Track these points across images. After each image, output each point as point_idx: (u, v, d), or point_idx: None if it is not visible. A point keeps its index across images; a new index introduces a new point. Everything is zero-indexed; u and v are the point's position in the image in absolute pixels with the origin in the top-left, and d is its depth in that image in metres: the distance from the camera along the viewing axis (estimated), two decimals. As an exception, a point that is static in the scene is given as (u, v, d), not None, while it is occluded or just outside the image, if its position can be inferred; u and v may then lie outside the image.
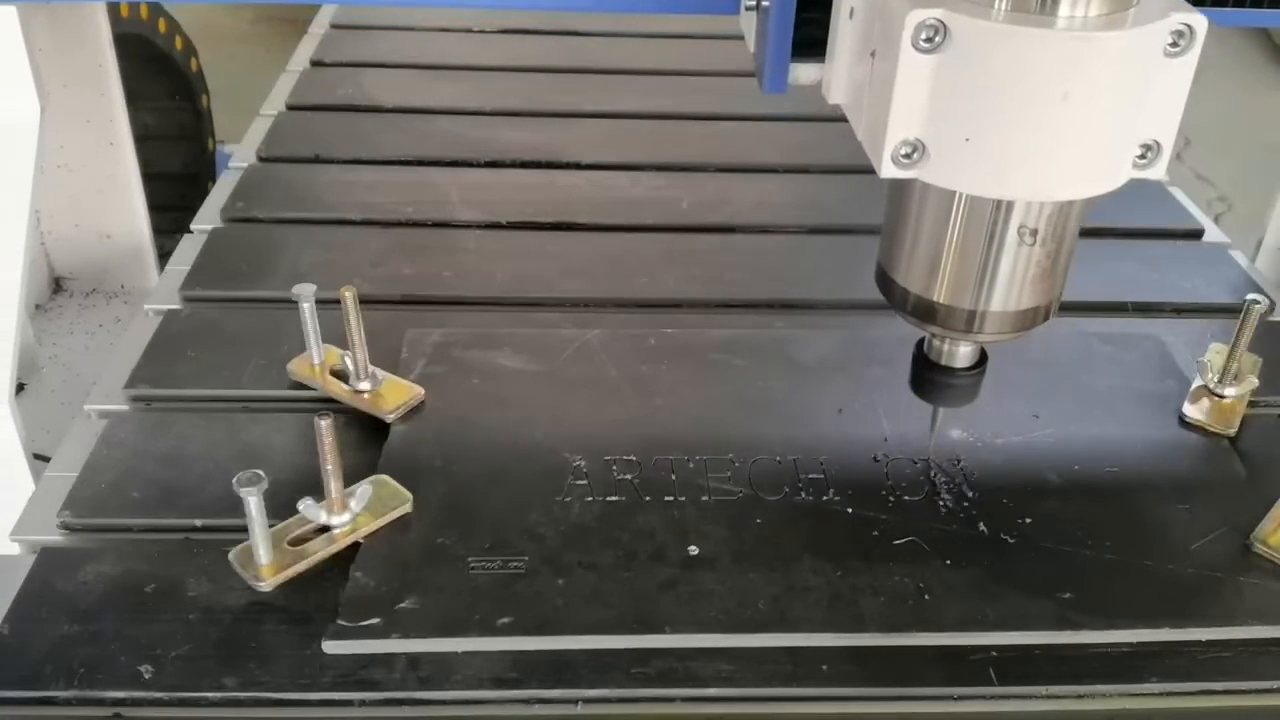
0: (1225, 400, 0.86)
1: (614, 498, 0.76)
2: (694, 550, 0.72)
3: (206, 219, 1.11)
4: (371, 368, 0.84)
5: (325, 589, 0.69)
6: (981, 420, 0.83)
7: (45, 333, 1.73)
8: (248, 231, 1.09)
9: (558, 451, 0.80)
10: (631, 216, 1.14)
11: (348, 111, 1.34)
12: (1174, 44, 0.53)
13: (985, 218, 0.58)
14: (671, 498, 0.76)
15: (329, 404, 0.84)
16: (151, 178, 1.79)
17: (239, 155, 1.23)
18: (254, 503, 0.66)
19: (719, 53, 1.52)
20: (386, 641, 0.65)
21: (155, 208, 1.80)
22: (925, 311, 0.63)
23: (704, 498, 0.76)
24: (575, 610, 0.68)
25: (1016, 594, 0.70)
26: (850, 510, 0.76)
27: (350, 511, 0.72)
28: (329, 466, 0.70)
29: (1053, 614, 0.69)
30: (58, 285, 1.83)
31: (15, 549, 0.73)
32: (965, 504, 0.77)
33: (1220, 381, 0.86)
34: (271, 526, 0.69)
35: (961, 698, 0.65)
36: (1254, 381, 0.87)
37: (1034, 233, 0.58)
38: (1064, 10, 0.52)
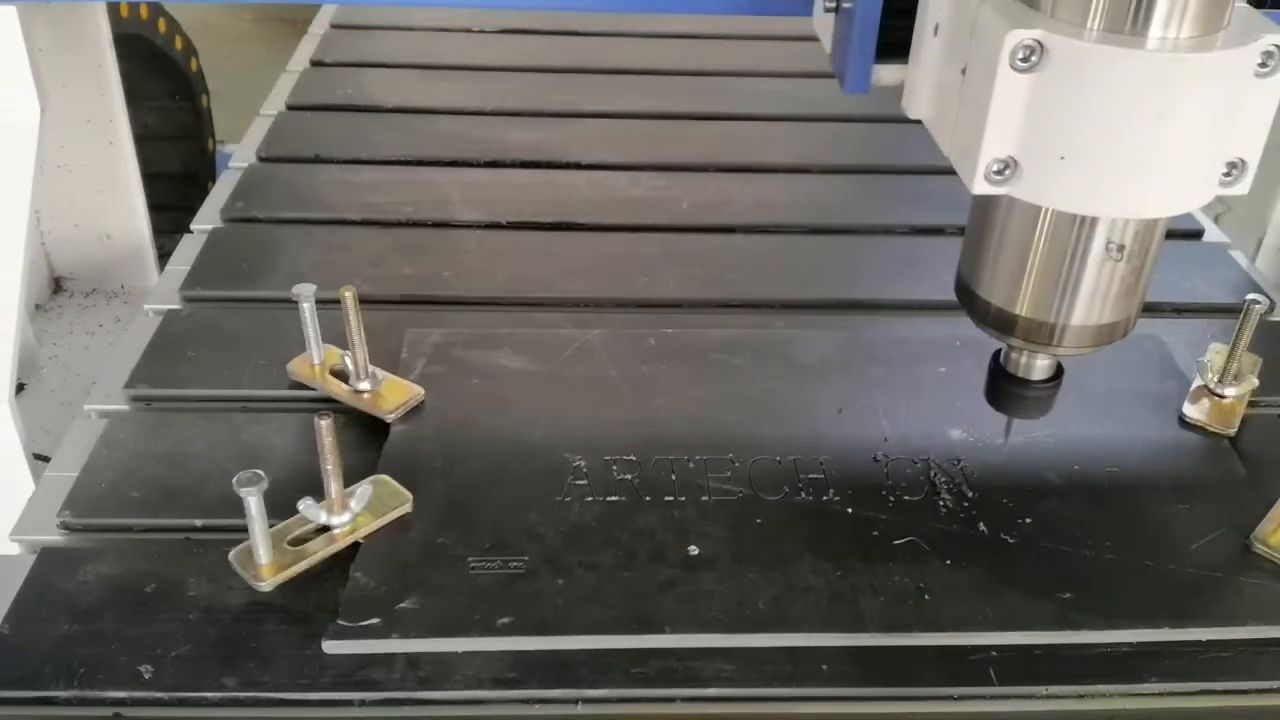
0: (1225, 400, 0.86)
1: (614, 498, 0.76)
2: (694, 550, 0.72)
3: (206, 219, 1.10)
4: (371, 368, 0.84)
5: (325, 589, 0.69)
6: (982, 420, 0.83)
7: (45, 333, 1.73)
8: (248, 231, 1.09)
9: (558, 451, 0.80)
10: (631, 216, 1.13)
11: (348, 111, 1.34)
12: (1263, 64, 0.53)
13: (1071, 232, 0.59)
14: (671, 498, 0.76)
15: (329, 404, 0.84)
16: (151, 178, 1.80)
17: (239, 155, 1.23)
18: (254, 503, 0.66)
19: (719, 53, 1.52)
20: (386, 641, 0.65)
21: (155, 208, 1.80)
22: (1006, 324, 0.63)
23: (704, 498, 0.76)
24: (575, 610, 0.68)
25: (1016, 594, 0.70)
26: (850, 510, 0.76)
27: (350, 511, 0.72)
28: (329, 466, 0.70)
29: (1053, 614, 0.69)
30: (58, 285, 1.83)
31: (15, 549, 0.73)
32: (965, 504, 0.77)
33: (1220, 381, 0.86)
34: (271, 526, 0.69)
35: (961, 698, 0.65)
36: (1254, 381, 0.87)
37: (1121, 248, 0.59)
38: (1156, 31, 0.52)
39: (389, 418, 0.82)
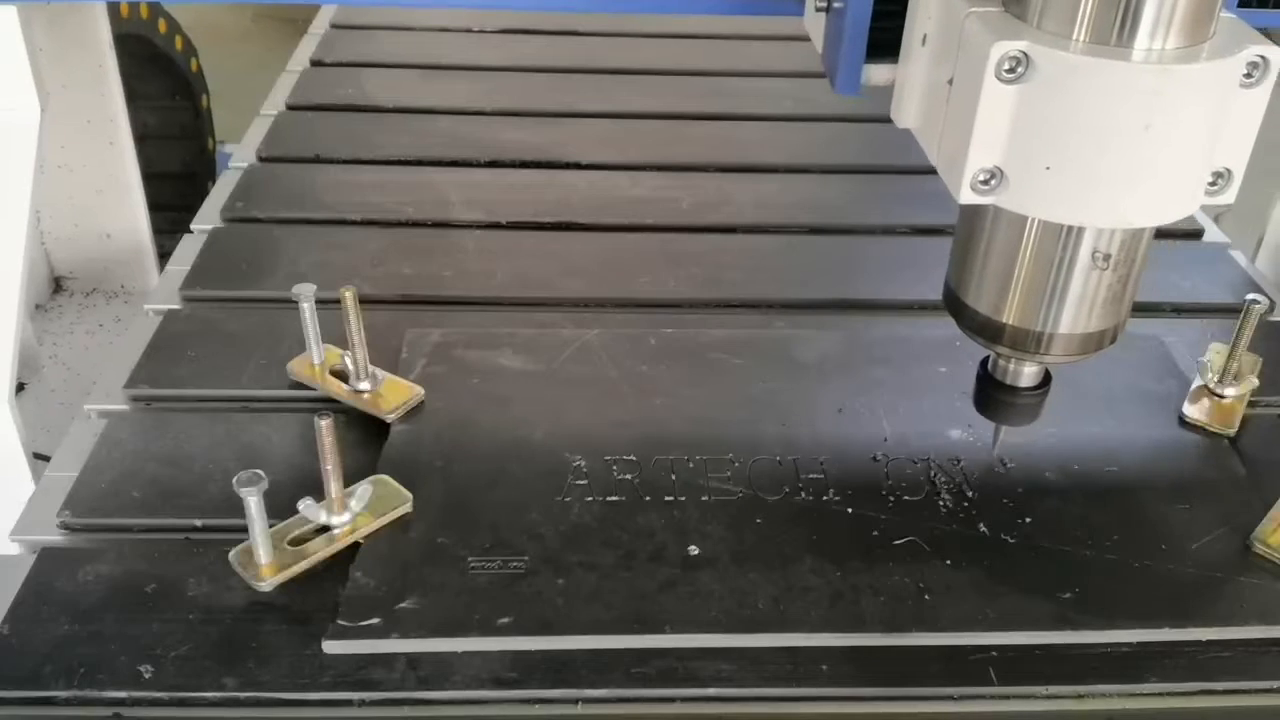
0: (1225, 400, 0.86)
1: (614, 498, 0.76)
2: (694, 550, 0.72)
3: (206, 219, 1.10)
4: (371, 368, 0.84)
5: (325, 589, 0.69)
6: (981, 420, 0.82)
7: (45, 333, 1.73)
8: (248, 231, 1.09)
9: (558, 451, 0.80)
10: (631, 216, 1.13)
11: (348, 111, 1.34)
12: (1248, 75, 0.54)
13: (1057, 241, 0.59)
14: (671, 498, 0.76)
15: (329, 404, 0.84)
16: (152, 177, 1.79)
17: (239, 155, 1.23)
18: (254, 503, 0.66)
19: (719, 53, 1.52)
20: (386, 641, 0.65)
21: (156, 207, 1.80)
22: (994, 332, 0.64)
23: (704, 498, 0.76)
24: (575, 610, 0.68)
25: (1016, 594, 0.70)
26: (850, 510, 0.76)
27: (350, 511, 0.72)
28: (329, 466, 0.70)
29: (1053, 614, 0.69)
30: (58, 285, 1.83)
31: (15, 549, 0.73)
32: (965, 504, 0.77)
33: (1220, 381, 0.86)
34: (271, 526, 0.69)
35: (961, 698, 0.65)
36: (1254, 381, 0.87)
37: (1107, 257, 0.59)
38: (1142, 41, 0.52)
39: (389, 418, 0.82)
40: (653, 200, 1.16)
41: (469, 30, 1.56)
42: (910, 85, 0.63)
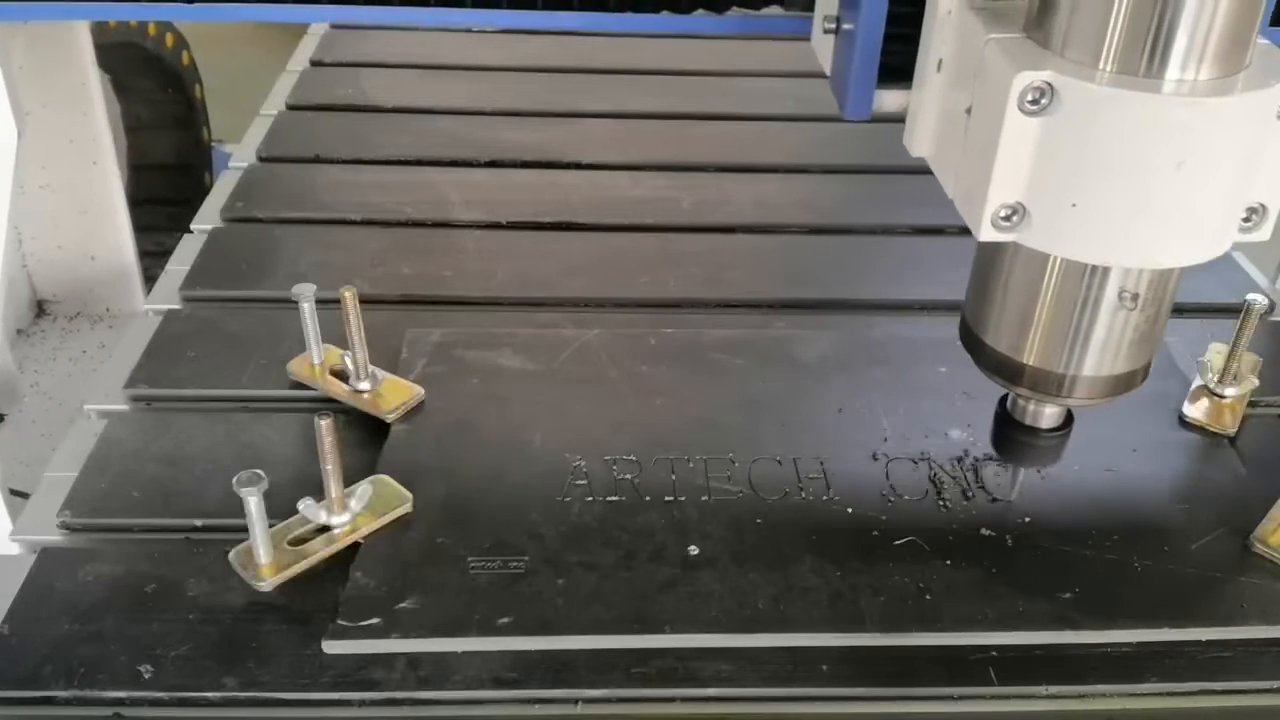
0: (1225, 400, 0.86)
1: (614, 498, 0.76)
2: (694, 550, 0.72)
3: (206, 219, 1.10)
4: (371, 368, 0.84)
5: (325, 589, 0.69)
6: (981, 420, 0.82)
7: (27, 359, 1.68)
8: (248, 231, 1.09)
9: (558, 451, 0.80)
10: (631, 216, 1.13)
11: (348, 111, 1.34)
12: None
13: (1082, 280, 0.56)
14: (671, 498, 0.76)
15: (329, 404, 0.84)
16: (146, 169, 1.78)
17: (239, 155, 1.23)
18: (254, 503, 0.66)
19: (719, 53, 1.52)
20: (386, 641, 0.65)
21: (151, 201, 1.78)
22: (1013, 372, 0.61)
23: (704, 498, 0.76)
24: (575, 610, 0.68)
25: (1016, 594, 0.70)
26: (850, 510, 0.76)
27: (350, 511, 0.72)
28: (329, 466, 0.70)
29: (1053, 614, 0.69)
30: (40, 309, 1.79)
31: (15, 549, 0.73)
32: (965, 504, 0.77)
33: (1220, 381, 0.86)
34: (271, 526, 0.69)
35: (961, 698, 0.65)
36: (1254, 381, 0.87)
37: (1135, 297, 0.56)
38: (1173, 72, 0.49)
39: (389, 418, 0.82)
40: (653, 200, 1.16)
41: (469, 30, 1.56)
42: (924, 113, 0.59)
